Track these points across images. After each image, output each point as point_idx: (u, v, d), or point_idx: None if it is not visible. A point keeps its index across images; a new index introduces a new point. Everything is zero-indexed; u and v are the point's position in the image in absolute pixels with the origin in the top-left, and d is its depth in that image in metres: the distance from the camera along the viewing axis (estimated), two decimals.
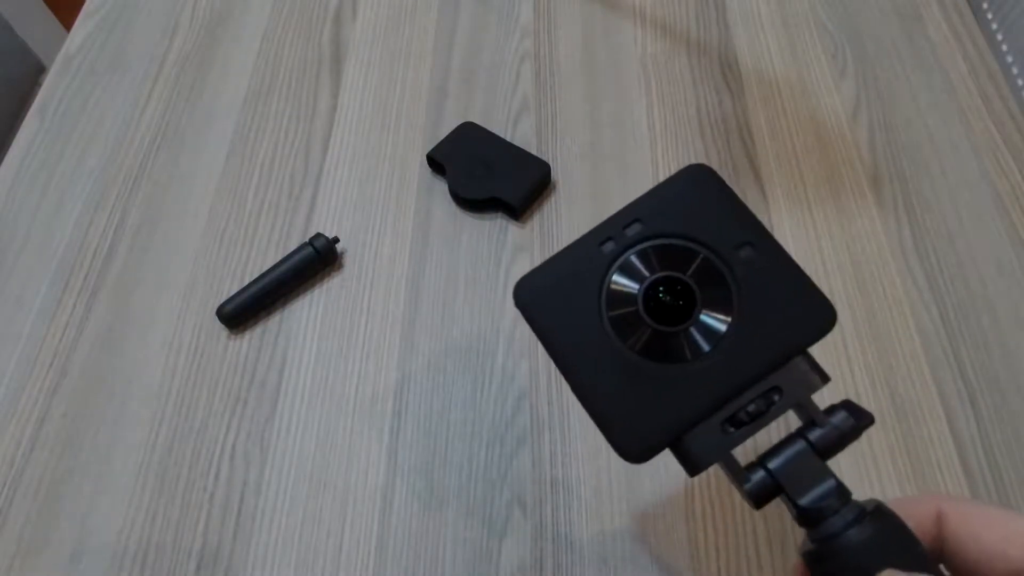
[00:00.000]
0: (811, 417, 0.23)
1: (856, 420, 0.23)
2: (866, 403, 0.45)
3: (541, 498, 0.42)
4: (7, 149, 0.59)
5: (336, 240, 0.51)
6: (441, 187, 0.55)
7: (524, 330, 0.48)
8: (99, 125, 0.59)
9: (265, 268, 0.50)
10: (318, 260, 0.50)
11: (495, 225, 0.53)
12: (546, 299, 0.25)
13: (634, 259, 0.25)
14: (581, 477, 0.43)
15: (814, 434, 0.23)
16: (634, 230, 0.25)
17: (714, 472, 0.43)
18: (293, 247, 0.51)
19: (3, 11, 0.96)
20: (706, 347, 0.24)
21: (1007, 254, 0.50)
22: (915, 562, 0.21)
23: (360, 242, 0.52)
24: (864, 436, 0.44)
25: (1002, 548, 0.21)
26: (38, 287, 0.52)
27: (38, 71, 0.98)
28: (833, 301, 0.48)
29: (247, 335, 0.49)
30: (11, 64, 0.94)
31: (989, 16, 0.80)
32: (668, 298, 0.24)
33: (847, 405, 0.23)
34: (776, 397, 0.23)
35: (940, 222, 0.51)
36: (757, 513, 0.41)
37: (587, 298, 0.25)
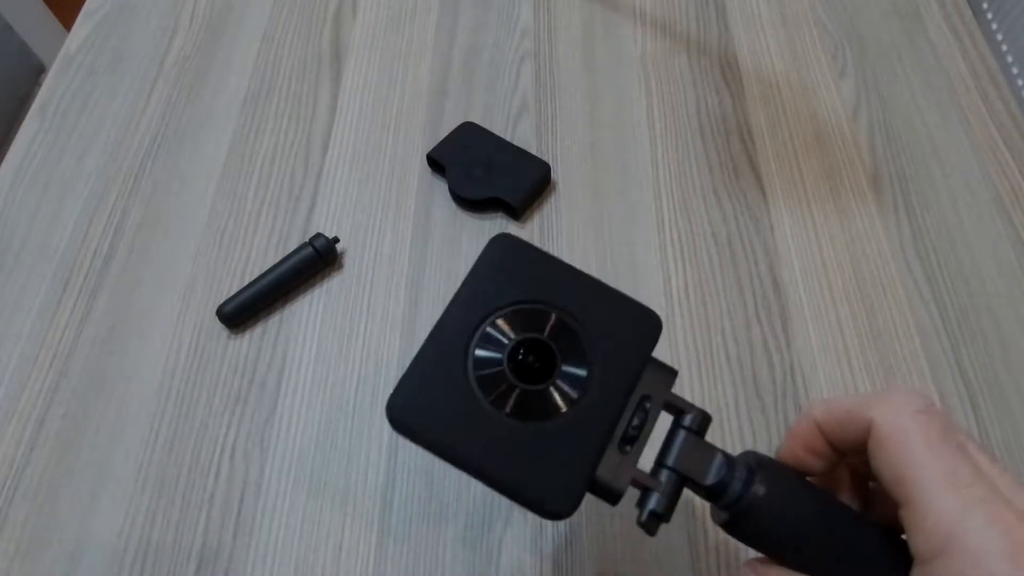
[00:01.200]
0: (678, 407, 0.26)
1: (702, 411, 0.26)
2: None
3: None
4: (7, 149, 0.59)
5: (336, 240, 0.51)
6: (441, 187, 0.55)
7: None
8: (99, 125, 0.59)
9: (265, 268, 0.50)
10: (318, 260, 0.50)
11: (495, 225, 0.53)
12: (419, 407, 0.25)
13: (487, 335, 0.26)
14: None
15: (688, 420, 0.26)
16: (474, 312, 0.26)
17: None
18: (293, 247, 0.51)
19: (3, 11, 0.96)
20: (576, 393, 0.25)
21: (1007, 254, 0.50)
22: (802, 485, 0.24)
23: (360, 242, 0.52)
24: None
25: (893, 483, 0.22)
26: (38, 287, 0.52)
27: (38, 71, 0.98)
28: (833, 301, 0.49)
29: (247, 335, 0.49)
30: (11, 64, 0.94)
31: (989, 16, 0.80)
32: (530, 358, 0.26)
33: (681, 400, 0.26)
34: (647, 404, 0.25)
35: (940, 222, 0.51)
36: None
37: (458, 385, 0.25)
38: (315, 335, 0.49)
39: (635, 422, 0.25)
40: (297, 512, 0.43)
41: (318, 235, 0.51)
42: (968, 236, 0.51)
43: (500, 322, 0.26)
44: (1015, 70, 0.75)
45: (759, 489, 0.24)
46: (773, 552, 0.24)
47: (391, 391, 0.25)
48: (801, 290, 0.49)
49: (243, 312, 0.49)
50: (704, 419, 0.26)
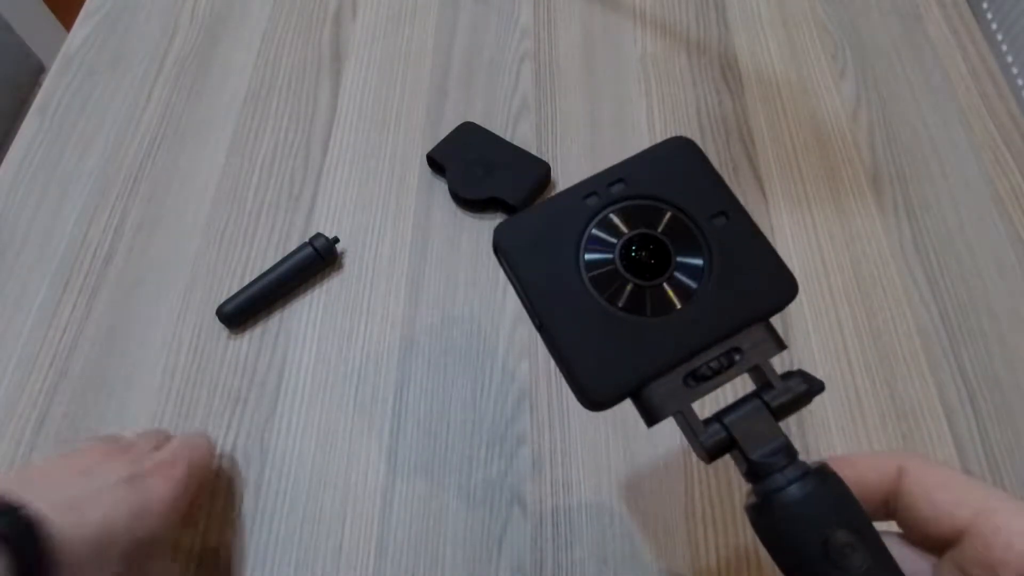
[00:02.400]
0: (768, 380, 0.24)
1: (809, 386, 0.24)
2: (866, 403, 0.45)
3: (541, 498, 0.42)
4: (7, 149, 0.59)
5: (336, 240, 0.51)
6: (441, 187, 0.55)
7: (524, 330, 0.48)
8: (99, 125, 0.59)
9: (265, 268, 0.50)
10: (318, 260, 0.50)
11: (495, 225, 0.53)
12: (525, 245, 0.26)
13: (614, 216, 0.26)
14: (581, 477, 0.43)
15: (769, 395, 0.24)
16: (618, 188, 0.26)
17: (714, 473, 0.43)
18: (293, 247, 0.51)
19: (3, 11, 0.96)
20: (676, 304, 0.25)
21: (1007, 254, 0.50)
22: (851, 519, 0.22)
23: (360, 242, 0.52)
24: (865, 437, 0.44)
25: (950, 509, 0.22)
26: (38, 287, 0.52)
27: (38, 71, 0.98)
28: (833, 301, 0.49)
29: (247, 335, 0.49)
30: (11, 64, 0.94)
31: (989, 16, 0.80)
32: (643, 255, 0.25)
33: (801, 373, 0.24)
34: (737, 357, 0.24)
35: (940, 222, 0.51)
36: None
37: (565, 248, 0.25)
38: (315, 335, 0.49)
39: (714, 364, 0.24)
40: (297, 511, 0.43)
41: (318, 235, 0.51)
42: (968, 236, 0.51)
43: (631, 211, 0.26)
44: (1015, 70, 0.75)
45: (801, 489, 0.22)
46: (781, 562, 0.23)
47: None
48: (801, 290, 0.49)
49: (243, 312, 0.49)
50: (787, 405, 0.24)
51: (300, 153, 0.57)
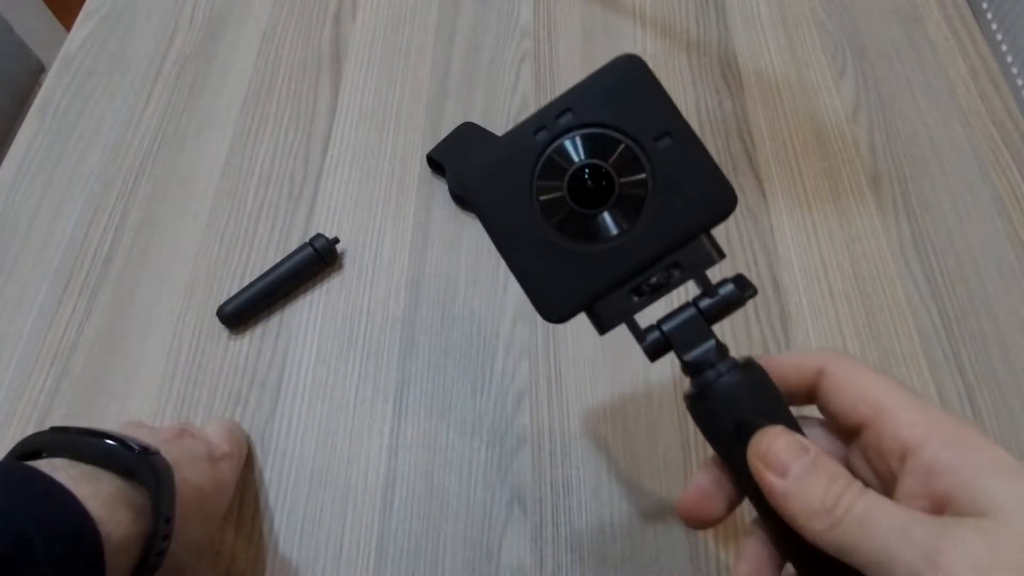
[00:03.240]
0: (705, 289, 0.27)
1: (741, 291, 0.27)
2: None
3: (541, 498, 0.42)
4: (7, 149, 0.59)
5: (336, 240, 0.51)
6: (441, 187, 0.55)
7: (524, 330, 0.48)
8: (99, 125, 0.59)
9: (265, 268, 0.50)
10: (318, 260, 0.50)
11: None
12: (484, 182, 0.28)
13: (564, 146, 0.27)
14: (581, 477, 0.43)
15: (704, 303, 0.27)
16: (565, 119, 0.27)
17: None
18: (293, 247, 0.51)
19: (3, 11, 0.96)
20: (620, 228, 0.27)
21: (1007, 254, 0.50)
22: (770, 405, 0.25)
23: (360, 242, 0.52)
24: None
25: (854, 404, 0.24)
26: (38, 287, 0.52)
27: (38, 71, 0.98)
28: (833, 301, 0.49)
29: (247, 335, 0.49)
30: (11, 64, 0.94)
31: (989, 16, 0.80)
32: (590, 184, 0.27)
33: (737, 279, 0.27)
34: (676, 272, 0.27)
35: (940, 222, 0.51)
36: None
37: (519, 183, 0.27)
38: (315, 335, 0.49)
39: (654, 280, 0.27)
40: (297, 512, 0.43)
41: (318, 235, 0.51)
42: (968, 236, 0.51)
43: (578, 140, 0.27)
44: (1015, 70, 0.75)
45: (729, 380, 0.25)
46: (717, 444, 0.26)
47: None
48: (801, 290, 0.49)
49: (243, 312, 0.49)
50: (720, 311, 0.27)
51: (300, 153, 0.57)
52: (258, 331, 0.49)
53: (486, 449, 0.44)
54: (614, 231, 0.27)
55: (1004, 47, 0.77)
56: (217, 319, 0.49)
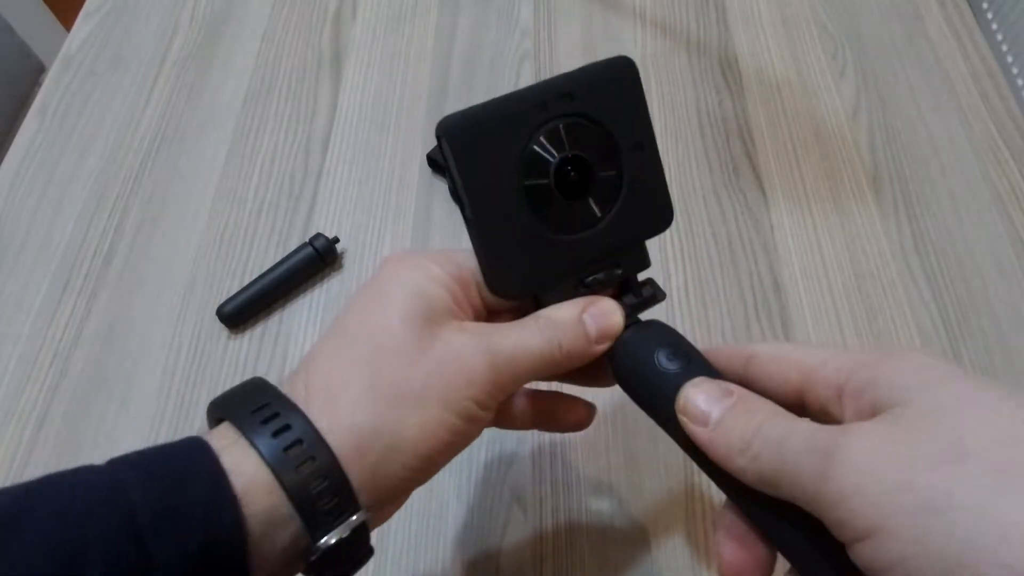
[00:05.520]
0: (632, 290, 0.30)
1: (655, 293, 0.30)
2: None
3: (541, 498, 0.42)
4: (7, 149, 0.59)
5: (336, 240, 0.51)
6: (441, 187, 0.55)
7: None
8: (99, 125, 0.59)
9: (265, 268, 0.50)
10: (318, 260, 0.50)
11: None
12: (470, 141, 0.27)
13: (558, 131, 0.27)
14: (581, 477, 0.43)
15: (626, 298, 0.29)
16: (566, 104, 0.28)
17: None
18: (293, 247, 0.51)
19: (3, 11, 0.96)
20: (587, 222, 0.28)
21: (1007, 254, 0.50)
22: (673, 342, 0.27)
23: (360, 242, 0.52)
24: None
25: (784, 378, 0.25)
26: (38, 287, 0.52)
27: (38, 71, 0.98)
28: (833, 301, 0.49)
29: (247, 335, 0.49)
30: (11, 64, 0.94)
31: (989, 16, 0.80)
32: (573, 175, 0.28)
33: (652, 282, 0.30)
34: (617, 271, 0.29)
35: (940, 222, 0.51)
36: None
37: (508, 153, 0.27)
38: (315, 335, 0.49)
39: (600, 276, 0.29)
40: None
41: (318, 235, 0.51)
42: (968, 236, 0.51)
43: (573, 129, 0.28)
44: (1015, 70, 0.75)
45: (634, 331, 0.28)
46: (632, 392, 0.28)
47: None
48: (801, 290, 0.49)
49: (243, 312, 0.49)
50: (639, 305, 0.29)
51: (300, 153, 0.57)
52: (258, 331, 0.49)
53: (486, 449, 0.44)
54: (579, 225, 0.28)
55: (1004, 47, 0.77)
56: (217, 319, 0.49)
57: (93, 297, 0.51)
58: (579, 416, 0.33)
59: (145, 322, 0.50)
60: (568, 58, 0.61)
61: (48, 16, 1.28)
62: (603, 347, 0.28)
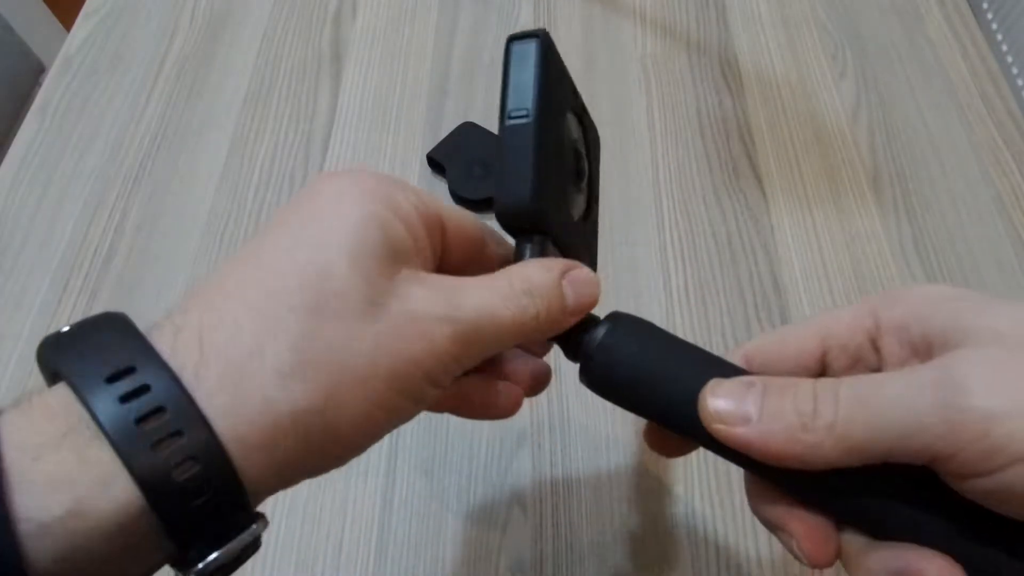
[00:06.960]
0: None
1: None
2: None
3: (541, 498, 0.42)
4: (7, 149, 0.59)
5: None
6: (441, 187, 0.55)
7: None
8: (99, 125, 0.59)
9: None
10: None
11: (495, 225, 0.53)
12: (554, 54, 0.28)
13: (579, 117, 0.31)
14: (581, 477, 0.43)
15: None
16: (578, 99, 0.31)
17: (714, 473, 0.43)
18: None
19: (3, 11, 0.96)
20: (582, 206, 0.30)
21: (1007, 254, 0.50)
22: (649, 330, 0.25)
23: None
24: None
25: (798, 348, 0.24)
26: (38, 287, 0.52)
27: (38, 71, 0.98)
28: (833, 301, 0.49)
29: None
30: (11, 64, 0.94)
31: (989, 16, 0.80)
32: (585, 164, 0.31)
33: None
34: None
35: (940, 222, 0.51)
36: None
37: (565, 89, 0.30)
38: None
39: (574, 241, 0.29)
40: (297, 511, 0.43)
41: None
42: (968, 236, 0.51)
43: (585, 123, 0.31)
44: (1015, 70, 0.75)
45: (598, 334, 0.24)
46: (625, 402, 0.24)
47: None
48: (801, 290, 0.49)
49: None
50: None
51: (300, 153, 0.57)
52: None
53: (486, 449, 0.44)
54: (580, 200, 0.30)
55: (1004, 47, 0.77)
56: None
57: (93, 297, 0.51)
58: (506, 402, 0.26)
59: (145, 322, 0.50)
60: (568, 58, 0.60)
61: (48, 16, 1.28)
62: (574, 320, 0.24)
